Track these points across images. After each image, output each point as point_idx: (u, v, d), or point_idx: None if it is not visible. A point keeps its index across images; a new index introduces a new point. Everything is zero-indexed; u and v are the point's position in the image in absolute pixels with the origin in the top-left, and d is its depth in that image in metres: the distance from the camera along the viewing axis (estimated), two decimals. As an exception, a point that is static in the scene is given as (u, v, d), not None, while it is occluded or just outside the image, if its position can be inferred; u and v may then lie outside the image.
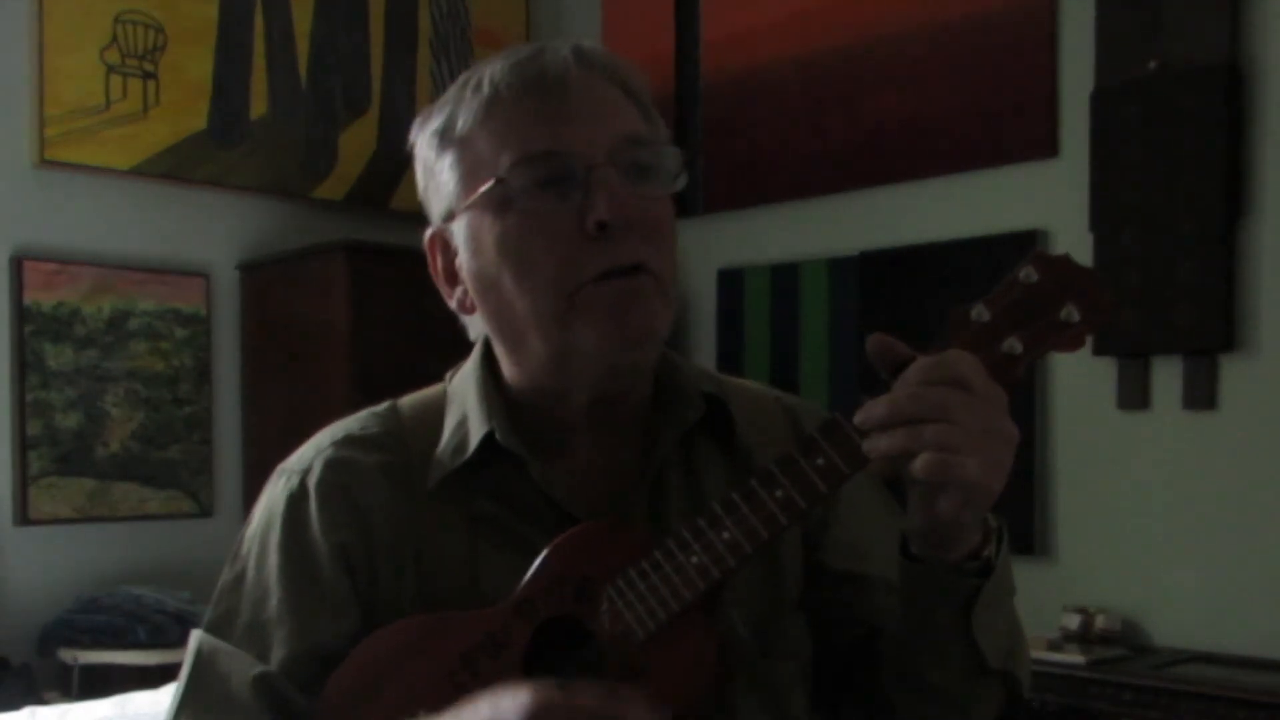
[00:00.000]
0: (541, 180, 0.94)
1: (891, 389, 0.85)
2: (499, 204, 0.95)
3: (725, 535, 0.88)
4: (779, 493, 0.87)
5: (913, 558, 0.92)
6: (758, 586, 1.01)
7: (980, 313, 0.87)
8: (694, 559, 0.89)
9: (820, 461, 0.87)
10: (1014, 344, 0.87)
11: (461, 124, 0.98)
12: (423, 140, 1.02)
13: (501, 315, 0.98)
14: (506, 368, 1.02)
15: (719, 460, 1.04)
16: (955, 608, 0.91)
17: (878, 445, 0.84)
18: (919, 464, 0.82)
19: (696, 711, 0.88)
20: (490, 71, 0.97)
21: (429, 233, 1.04)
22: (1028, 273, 0.87)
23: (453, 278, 1.02)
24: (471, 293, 1.00)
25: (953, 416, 0.82)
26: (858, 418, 0.85)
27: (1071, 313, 0.86)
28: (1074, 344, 0.87)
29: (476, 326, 1.05)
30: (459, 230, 0.99)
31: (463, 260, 1.00)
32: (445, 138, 0.99)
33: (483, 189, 0.95)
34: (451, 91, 1.00)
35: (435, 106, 1.02)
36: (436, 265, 1.04)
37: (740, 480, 0.90)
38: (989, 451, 0.83)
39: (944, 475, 0.82)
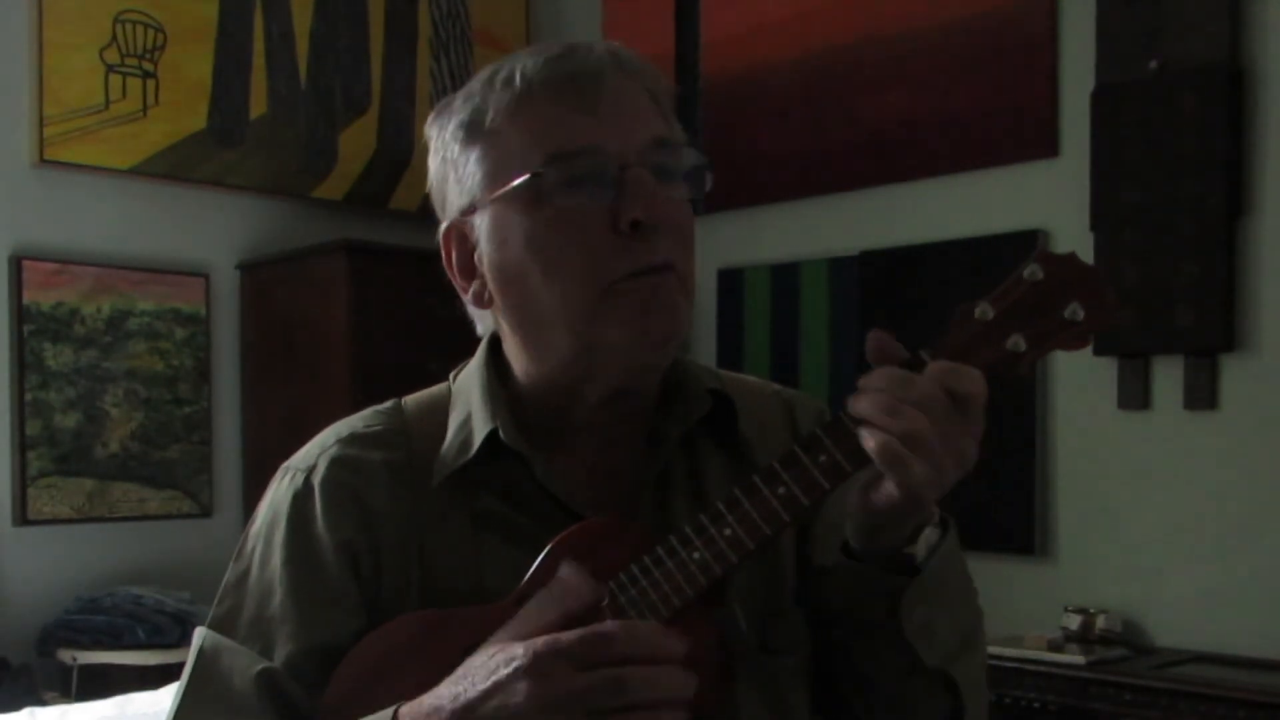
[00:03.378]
0: (576, 177, 0.94)
1: None
2: (531, 199, 0.95)
3: (727, 531, 0.89)
4: (781, 489, 0.88)
5: (849, 554, 0.94)
6: (759, 582, 1.01)
7: (985, 310, 0.88)
8: (696, 555, 0.89)
9: (823, 459, 0.87)
10: (1018, 341, 0.87)
11: (491, 117, 0.97)
12: (445, 132, 1.01)
13: (525, 309, 0.98)
14: (519, 362, 1.02)
15: (721, 457, 1.05)
16: (883, 604, 0.93)
17: (858, 405, 0.86)
18: (875, 442, 0.84)
19: (699, 707, 0.88)
20: (522, 66, 0.97)
21: (444, 225, 1.03)
22: (1033, 270, 0.87)
23: (469, 271, 1.02)
24: (491, 286, 1.00)
25: (933, 418, 0.83)
26: (861, 381, 0.87)
27: (1076, 311, 0.86)
28: (1079, 342, 0.87)
29: (486, 322, 1.05)
30: (482, 222, 0.99)
31: (484, 253, 0.99)
32: (473, 130, 0.99)
33: (515, 183, 0.95)
34: (477, 85, 1.00)
35: (456, 99, 1.01)
36: (451, 258, 1.03)
37: (742, 476, 0.90)
38: (940, 464, 0.84)
39: (890, 463, 0.83)
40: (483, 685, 0.83)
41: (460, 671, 0.86)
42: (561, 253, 0.94)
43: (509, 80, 0.97)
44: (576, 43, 0.99)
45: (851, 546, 0.94)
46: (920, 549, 0.93)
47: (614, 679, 0.80)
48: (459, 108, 1.01)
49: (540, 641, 0.82)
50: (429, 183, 1.05)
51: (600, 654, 0.81)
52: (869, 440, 0.84)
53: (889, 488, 0.87)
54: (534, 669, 0.80)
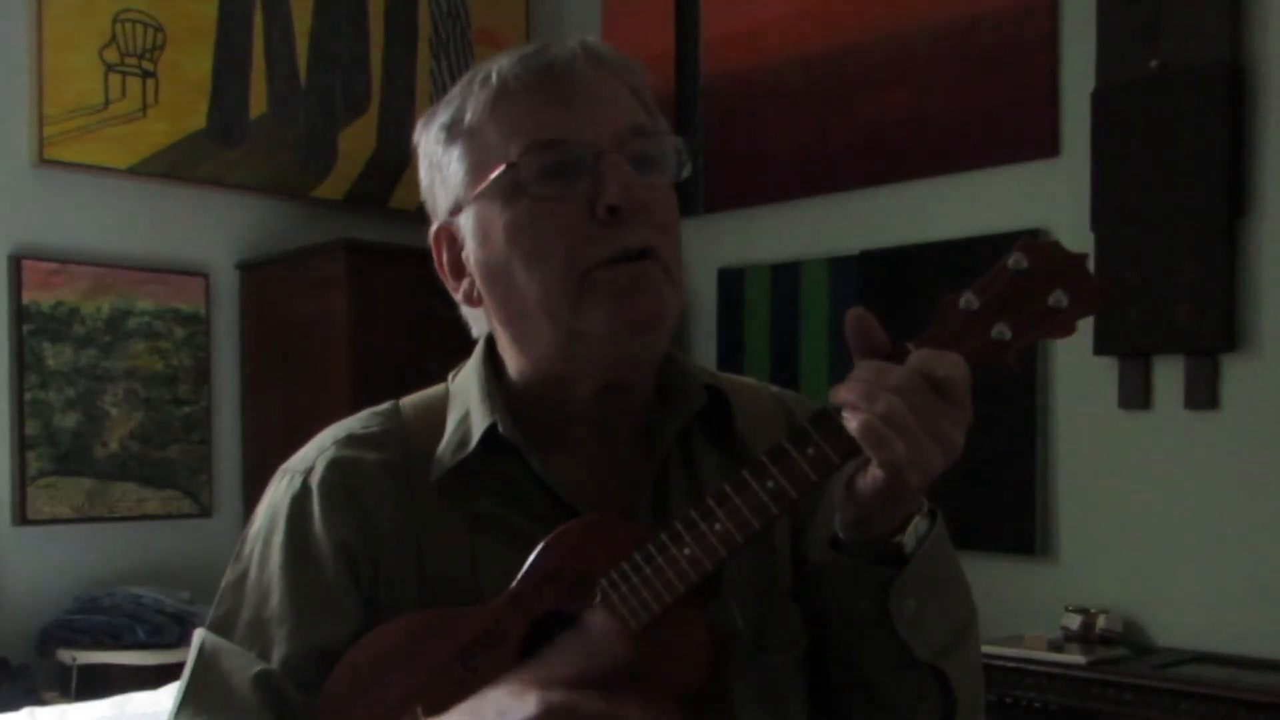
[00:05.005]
0: (551, 167, 0.95)
1: None
2: (509, 191, 0.96)
3: (717, 527, 0.89)
4: (770, 483, 0.88)
5: (838, 546, 0.94)
6: (754, 578, 1.01)
7: (969, 300, 0.88)
8: (686, 551, 0.89)
9: (811, 451, 0.87)
10: (1003, 330, 0.87)
11: (470, 116, 0.98)
12: (429, 136, 1.03)
13: (510, 303, 0.98)
14: (512, 359, 1.03)
15: (718, 455, 1.05)
16: (872, 597, 0.93)
17: (838, 393, 0.86)
18: (856, 422, 0.84)
19: (692, 703, 0.88)
20: (498, 65, 0.98)
21: (434, 228, 1.04)
22: (1016, 260, 0.88)
23: (459, 271, 1.03)
24: (479, 283, 1.01)
25: (911, 401, 0.83)
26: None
27: (1060, 299, 0.86)
28: (1063, 330, 0.87)
29: (480, 322, 1.06)
30: (466, 221, 1.00)
31: (470, 251, 1.00)
32: (453, 130, 1.00)
33: (493, 176, 0.96)
34: (457, 88, 1.01)
35: (440, 103, 1.03)
36: (442, 260, 1.04)
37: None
38: (924, 447, 0.84)
39: (871, 442, 0.84)
40: None
41: (472, 704, 0.86)
42: (541, 242, 0.95)
43: (486, 80, 0.98)
44: (551, 41, 1.00)
45: (840, 539, 0.94)
46: (909, 539, 0.93)
47: None
48: (441, 111, 1.02)
49: (558, 699, 0.81)
50: (422, 189, 1.06)
51: None
52: (850, 421, 0.85)
53: (874, 471, 0.87)
54: None
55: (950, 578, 0.98)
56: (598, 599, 0.90)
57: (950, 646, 0.97)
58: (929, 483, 0.87)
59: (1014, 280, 0.87)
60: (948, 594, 0.98)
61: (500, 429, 0.98)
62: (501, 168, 0.95)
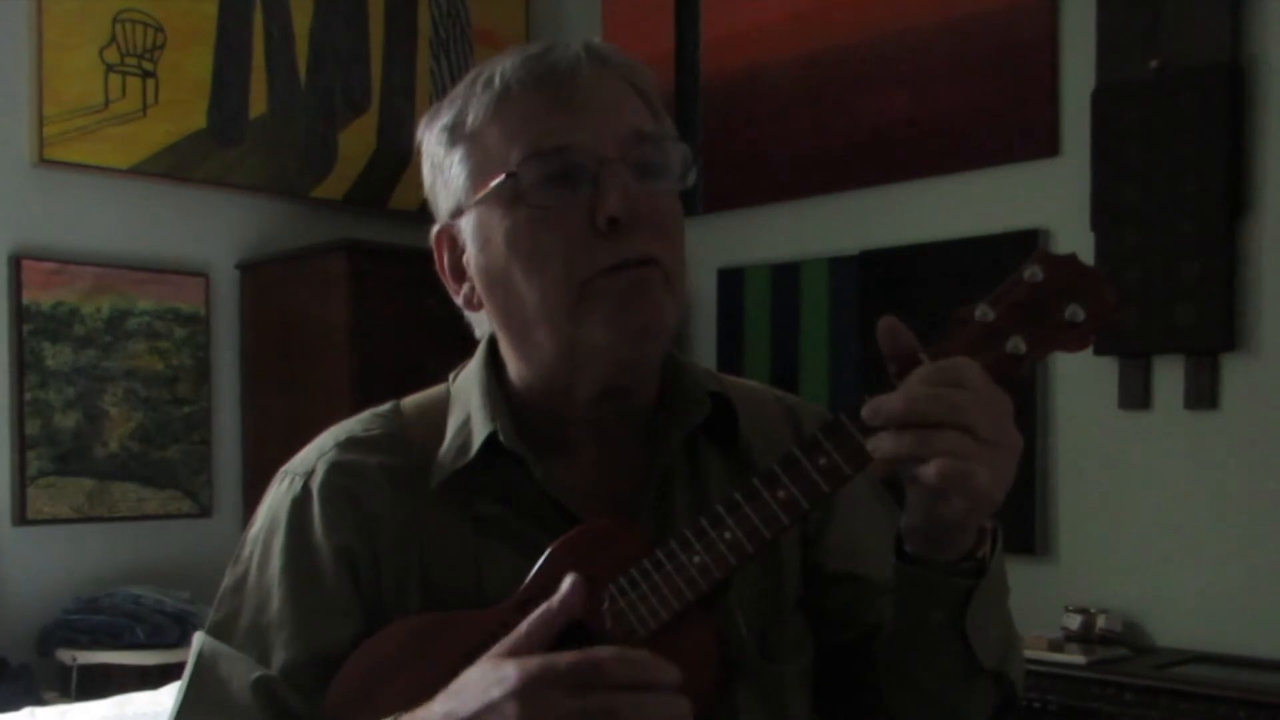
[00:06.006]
0: (552, 175, 0.93)
1: (900, 388, 0.84)
2: (509, 199, 0.95)
3: (727, 535, 0.88)
4: (781, 492, 0.87)
5: (906, 558, 0.92)
6: (759, 587, 1.00)
7: (985, 312, 0.87)
8: (695, 558, 0.88)
9: (823, 461, 0.86)
10: (1018, 343, 0.86)
11: (472, 119, 0.98)
12: (431, 136, 1.02)
13: (509, 310, 0.98)
14: (512, 364, 1.02)
15: (722, 460, 1.04)
16: (948, 609, 0.91)
17: (883, 446, 0.83)
18: (932, 471, 0.80)
19: (698, 711, 0.88)
20: (501, 67, 0.97)
21: (435, 229, 1.03)
22: (1033, 272, 0.87)
23: (459, 274, 1.02)
24: (479, 288, 1.00)
25: (966, 423, 0.81)
26: (865, 411, 0.84)
27: (1076, 312, 0.85)
28: (1079, 344, 0.86)
29: (482, 324, 1.05)
30: (467, 226, 0.99)
31: (470, 256, 0.99)
32: (455, 133, 0.99)
33: (493, 184, 0.95)
34: (461, 88, 1.00)
35: (444, 103, 1.02)
36: (443, 262, 1.03)
37: (743, 479, 0.90)
38: (997, 461, 0.82)
39: (956, 483, 0.81)
40: (474, 705, 0.83)
41: (455, 686, 0.86)
42: (540, 251, 0.94)
43: (489, 82, 0.97)
44: (555, 41, 0.99)
45: (908, 553, 0.92)
46: (985, 549, 0.91)
47: (605, 707, 0.80)
48: (444, 112, 1.01)
49: (534, 664, 0.81)
50: (425, 188, 1.06)
51: (592, 680, 0.80)
52: (924, 473, 0.81)
53: (956, 501, 0.83)
54: (525, 692, 0.80)
55: (1005, 584, 0.97)
56: (606, 605, 0.90)
57: (1007, 650, 0.97)
58: (1009, 488, 0.84)
59: (1030, 292, 0.86)
60: (1003, 600, 0.97)
61: (501, 437, 0.98)
62: (502, 176, 0.95)
